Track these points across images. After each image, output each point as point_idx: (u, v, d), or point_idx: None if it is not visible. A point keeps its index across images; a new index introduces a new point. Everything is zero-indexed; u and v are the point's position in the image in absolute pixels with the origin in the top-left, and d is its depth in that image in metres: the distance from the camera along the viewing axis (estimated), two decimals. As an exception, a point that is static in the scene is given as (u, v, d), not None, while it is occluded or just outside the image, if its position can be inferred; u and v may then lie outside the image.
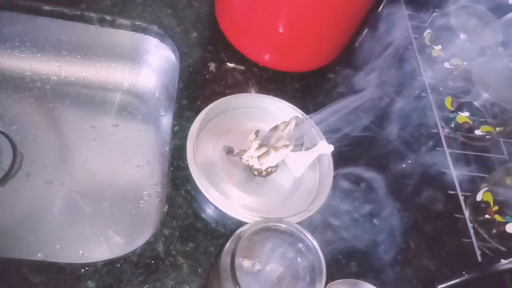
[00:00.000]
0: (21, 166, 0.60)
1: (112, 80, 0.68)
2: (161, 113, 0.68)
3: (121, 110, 0.68)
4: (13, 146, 0.60)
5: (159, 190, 0.61)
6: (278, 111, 0.57)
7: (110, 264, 0.43)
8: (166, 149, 0.64)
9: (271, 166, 0.50)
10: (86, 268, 0.42)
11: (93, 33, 0.63)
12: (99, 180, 0.61)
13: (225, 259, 0.37)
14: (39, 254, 0.53)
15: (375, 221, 0.53)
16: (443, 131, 0.62)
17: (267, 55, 0.61)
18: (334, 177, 0.52)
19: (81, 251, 0.55)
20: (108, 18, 0.61)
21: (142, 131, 0.67)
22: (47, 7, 0.60)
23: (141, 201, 0.60)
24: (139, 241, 0.56)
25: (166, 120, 0.67)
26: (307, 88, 0.62)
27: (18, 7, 0.59)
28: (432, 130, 0.62)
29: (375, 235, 0.51)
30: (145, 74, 0.68)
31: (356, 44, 0.69)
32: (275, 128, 0.53)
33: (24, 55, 0.66)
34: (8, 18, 0.61)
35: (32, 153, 0.61)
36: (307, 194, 0.52)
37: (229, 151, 0.52)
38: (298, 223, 0.48)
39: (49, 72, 0.67)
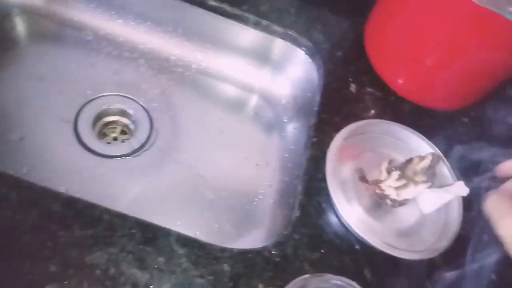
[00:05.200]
0: (155, 141, 0.64)
1: (247, 80, 0.72)
2: (285, 120, 0.70)
3: (249, 109, 0.71)
4: (151, 121, 0.65)
5: (273, 191, 0.64)
6: (413, 144, 0.57)
7: (244, 253, 0.45)
8: (286, 155, 0.66)
9: (407, 199, 0.51)
10: (224, 251, 0.45)
11: (246, 34, 0.66)
12: (222, 169, 0.64)
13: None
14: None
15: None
16: None
17: (408, 86, 0.62)
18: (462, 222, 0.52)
19: (197, 232, 0.58)
20: (264, 22, 0.64)
21: (265, 133, 0.70)
22: (212, 2, 0.64)
23: (256, 199, 0.63)
24: (251, 235, 0.60)
25: (290, 129, 0.69)
26: (440, 127, 0.62)
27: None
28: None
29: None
30: (281, 81, 0.70)
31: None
32: (410, 160, 0.53)
33: (173, 40, 0.71)
34: (169, 4, 0.66)
35: (166, 132, 0.65)
36: (430, 234, 0.52)
37: (362, 178, 0.53)
38: (417, 261, 0.48)
39: (191, 60, 0.72)
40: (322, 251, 0.48)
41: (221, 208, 0.61)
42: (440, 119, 0.63)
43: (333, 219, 0.50)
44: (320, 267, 0.47)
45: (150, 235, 0.44)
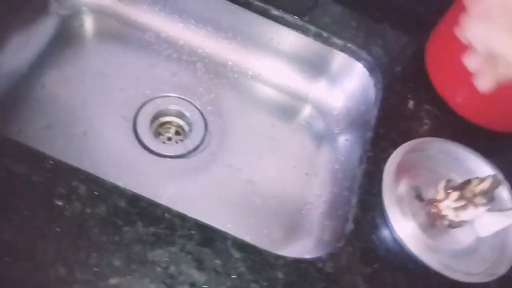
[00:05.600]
0: (208, 144, 0.65)
1: (301, 89, 0.72)
2: (336, 131, 0.70)
3: (301, 118, 0.72)
4: (206, 124, 0.67)
5: (322, 201, 0.64)
6: (472, 165, 0.56)
7: (298, 262, 0.46)
8: (336, 166, 0.66)
9: (465, 220, 0.50)
10: (278, 259, 0.45)
11: (305, 43, 0.67)
12: (270, 176, 0.65)
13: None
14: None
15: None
16: None
17: (468, 106, 0.61)
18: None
19: (248, 236, 0.59)
20: (325, 34, 0.65)
21: (315, 143, 0.70)
22: (275, 12, 0.65)
23: (304, 208, 0.63)
24: (298, 244, 0.60)
25: (341, 140, 0.69)
26: (500, 149, 0.61)
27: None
28: None
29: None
30: (336, 93, 0.71)
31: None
32: (468, 182, 0.52)
33: (231, 46, 0.72)
34: (231, 10, 0.68)
35: (219, 136, 0.66)
36: (486, 258, 0.51)
37: (419, 196, 0.53)
38: (471, 284, 0.47)
39: (248, 67, 0.73)
40: (376, 266, 0.48)
41: (270, 215, 0.62)
42: (500, 140, 0.61)
43: (387, 235, 0.50)
44: (373, 282, 0.46)
45: (208, 237, 0.45)
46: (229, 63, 0.73)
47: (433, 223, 0.52)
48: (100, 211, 0.43)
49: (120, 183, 0.57)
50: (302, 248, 0.58)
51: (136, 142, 0.62)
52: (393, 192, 0.51)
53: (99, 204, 0.43)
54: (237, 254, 0.44)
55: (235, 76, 0.72)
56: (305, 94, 0.72)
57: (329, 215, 0.60)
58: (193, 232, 0.44)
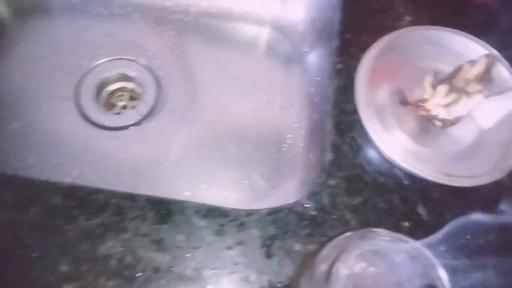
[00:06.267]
0: (165, 103, 0.58)
1: (255, 12, 0.62)
2: (305, 50, 0.61)
3: (263, 45, 0.62)
4: (157, 81, 0.59)
5: (303, 133, 0.56)
6: (460, 48, 0.47)
7: (274, 213, 0.40)
8: (311, 89, 0.58)
9: (460, 116, 0.42)
10: (251, 215, 0.39)
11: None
12: (242, 119, 0.58)
13: (321, 265, 0.30)
14: (187, 193, 0.52)
15: None
16: None
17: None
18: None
19: (226, 193, 0.53)
20: None
21: (284, 69, 0.61)
22: None
23: (284, 145, 0.56)
24: (285, 187, 0.53)
25: (312, 58, 0.60)
26: (493, 21, 0.51)
27: None
28: None
29: None
30: (293, 5, 0.61)
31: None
32: (459, 69, 0.44)
33: (165, -16, 0.63)
34: None
35: (176, 89, 0.59)
36: (493, 153, 0.43)
37: (403, 100, 0.44)
38: (480, 186, 0.40)
39: (190, 3, 0.63)
40: (365, 193, 0.41)
41: (249, 162, 0.55)
42: (490, 11, 0.51)
43: (372, 155, 0.43)
44: (364, 213, 0.40)
45: (165, 212, 0.39)
46: (168, 3, 0.63)
47: (426, 127, 0.44)
48: (32, 214, 0.37)
49: (76, 172, 0.52)
50: (290, 191, 0.51)
51: (84, 122, 0.55)
52: (370, 105, 0.43)
53: (30, 207, 0.37)
54: (201, 222, 0.39)
55: (178, 17, 0.63)
56: (259, 16, 0.62)
57: (312, 146, 0.53)
58: (145, 210, 0.38)
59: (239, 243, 0.38)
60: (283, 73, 0.61)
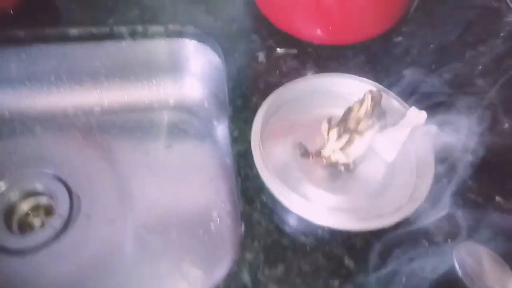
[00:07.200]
0: (80, 209, 0.55)
1: (156, 98, 0.62)
2: (214, 124, 0.61)
3: (171, 129, 0.62)
4: (68, 190, 0.56)
5: (229, 208, 0.54)
6: (348, 90, 0.48)
7: (191, 306, 0.36)
8: (228, 161, 0.57)
9: (359, 156, 0.41)
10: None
11: (127, 50, 0.57)
12: (162, 208, 0.55)
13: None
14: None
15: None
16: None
17: (321, 30, 0.52)
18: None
19: (159, 291, 0.49)
20: (140, 28, 0.55)
21: (197, 146, 0.60)
22: (74, 30, 0.55)
23: (212, 223, 0.53)
24: (219, 270, 0.50)
25: (221, 131, 0.59)
26: (374, 58, 0.52)
27: (45, 37, 0.55)
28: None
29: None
30: (189, 84, 0.61)
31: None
32: (349, 110, 0.44)
33: (62, 90, 0.62)
34: (38, 54, 0.57)
35: (89, 193, 0.56)
36: (406, 183, 0.42)
37: (305, 153, 0.43)
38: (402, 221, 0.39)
39: (91, 103, 0.62)
40: (286, 260, 0.38)
41: (177, 252, 0.52)
42: (371, 49, 0.53)
43: (286, 216, 0.41)
44: (290, 281, 0.37)
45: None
46: (69, 109, 0.62)
47: (334, 175, 0.43)
48: None
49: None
50: (216, 274, 0.48)
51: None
52: (271, 164, 0.42)
53: None
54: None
55: (82, 120, 0.62)
56: (163, 102, 0.62)
57: (238, 221, 0.51)
58: None
59: None
60: (197, 152, 0.60)
